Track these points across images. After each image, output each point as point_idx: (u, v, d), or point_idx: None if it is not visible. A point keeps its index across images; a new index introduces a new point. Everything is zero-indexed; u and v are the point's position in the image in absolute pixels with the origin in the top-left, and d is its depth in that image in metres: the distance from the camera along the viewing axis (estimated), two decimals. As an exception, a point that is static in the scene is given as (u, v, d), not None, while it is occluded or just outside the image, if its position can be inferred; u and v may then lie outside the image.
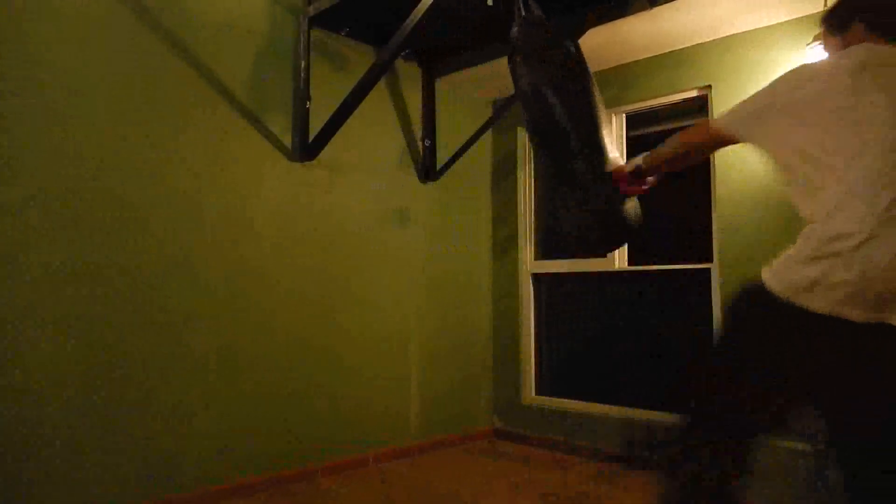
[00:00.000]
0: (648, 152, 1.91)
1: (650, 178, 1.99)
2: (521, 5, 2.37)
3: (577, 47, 2.33)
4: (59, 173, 2.52)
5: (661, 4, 2.97)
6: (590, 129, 2.18)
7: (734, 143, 1.65)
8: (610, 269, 3.79)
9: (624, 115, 3.81)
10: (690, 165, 1.85)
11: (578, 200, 2.12)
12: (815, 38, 2.74)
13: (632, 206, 2.13)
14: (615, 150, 2.23)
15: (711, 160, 3.33)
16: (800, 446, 2.46)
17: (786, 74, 1.54)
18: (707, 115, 3.41)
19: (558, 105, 2.18)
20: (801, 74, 1.52)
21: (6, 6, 2.42)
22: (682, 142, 1.77)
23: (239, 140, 3.06)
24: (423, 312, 3.85)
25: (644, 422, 3.50)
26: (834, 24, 1.62)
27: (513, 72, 2.32)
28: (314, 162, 3.31)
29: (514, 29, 2.33)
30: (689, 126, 1.79)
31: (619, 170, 2.05)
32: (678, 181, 3.74)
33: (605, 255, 3.35)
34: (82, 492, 2.48)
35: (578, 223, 2.15)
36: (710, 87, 3.37)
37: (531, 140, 2.46)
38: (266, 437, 3.05)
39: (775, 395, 1.44)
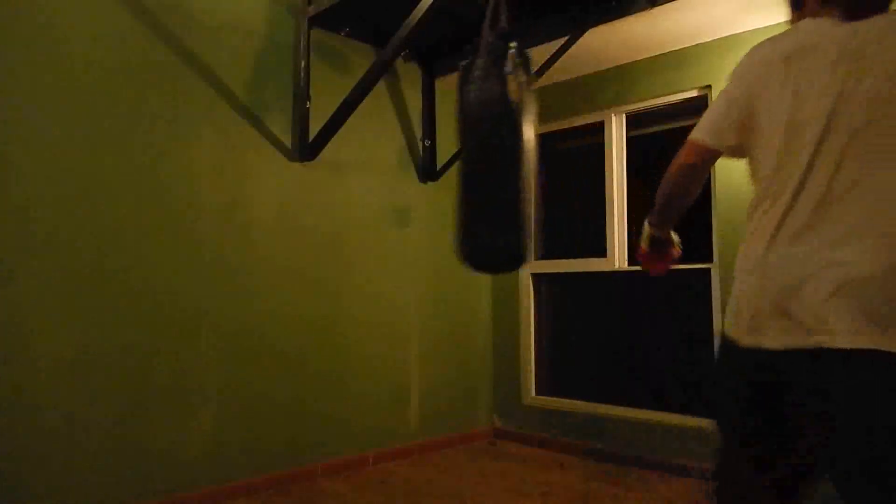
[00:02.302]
0: (648, 217, 1.61)
1: (675, 250, 1.68)
2: (491, 16, 2.28)
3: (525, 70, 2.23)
4: (58, 174, 2.52)
5: (661, 4, 2.97)
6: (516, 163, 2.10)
7: None
8: (610, 269, 3.79)
9: (624, 115, 3.81)
10: (690, 201, 1.53)
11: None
12: None
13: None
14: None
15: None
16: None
17: None
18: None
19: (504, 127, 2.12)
20: None
21: (8, 8, 2.43)
22: (664, 179, 1.48)
23: (239, 140, 3.06)
24: (423, 313, 3.85)
25: (644, 422, 3.51)
26: None
27: (466, 82, 2.22)
28: (314, 162, 3.31)
29: (487, 38, 2.22)
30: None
31: (642, 252, 1.70)
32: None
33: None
34: (82, 491, 2.48)
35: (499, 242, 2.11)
36: (709, 87, 3.37)
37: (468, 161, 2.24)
38: (266, 437, 3.05)
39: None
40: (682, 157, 1.42)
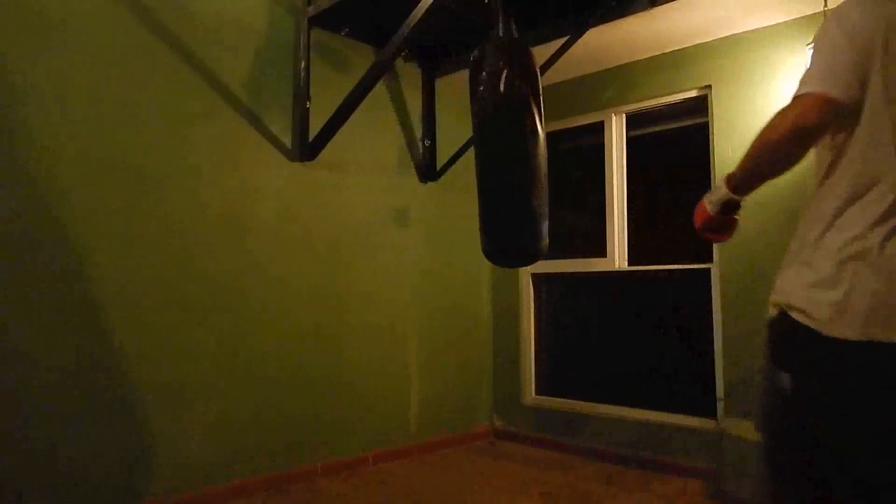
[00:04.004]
0: (725, 178, 1.42)
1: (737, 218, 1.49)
2: (501, 21, 2.34)
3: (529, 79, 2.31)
4: (56, 173, 2.51)
5: (661, 4, 2.97)
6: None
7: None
8: (610, 269, 3.79)
9: (624, 115, 3.81)
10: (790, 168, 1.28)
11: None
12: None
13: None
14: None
15: (711, 159, 3.32)
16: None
17: None
18: (707, 116, 3.40)
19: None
20: None
21: (10, 8, 2.42)
22: (764, 140, 1.25)
23: (239, 140, 3.06)
24: (423, 313, 3.85)
25: (644, 422, 3.50)
26: None
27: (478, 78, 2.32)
28: (314, 162, 3.31)
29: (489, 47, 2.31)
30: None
31: (706, 217, 1.51)
32: (676, 180, 3.75)
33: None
34: (80, 491, 2.48)
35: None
36: (709, 87, 3.37)
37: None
38: (265, 437, 3.05)
39: None
40: (793, 117, 1.15)
